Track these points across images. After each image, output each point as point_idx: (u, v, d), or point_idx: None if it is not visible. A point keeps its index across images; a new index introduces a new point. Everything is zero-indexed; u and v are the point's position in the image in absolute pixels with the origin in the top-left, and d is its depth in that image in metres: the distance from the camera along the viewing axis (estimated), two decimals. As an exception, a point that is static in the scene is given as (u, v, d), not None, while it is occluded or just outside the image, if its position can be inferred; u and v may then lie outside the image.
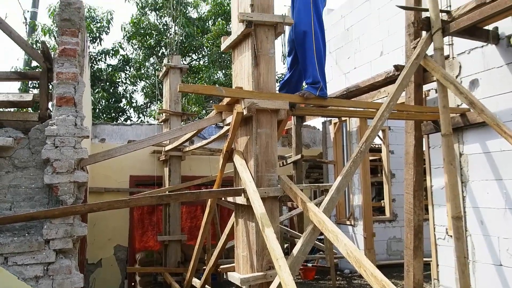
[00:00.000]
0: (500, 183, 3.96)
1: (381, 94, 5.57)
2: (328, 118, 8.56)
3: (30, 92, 10.91)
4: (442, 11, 3.91)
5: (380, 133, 8.29)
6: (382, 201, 9.01)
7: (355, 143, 7.73)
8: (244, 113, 3.35)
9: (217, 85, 12.74)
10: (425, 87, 4.71)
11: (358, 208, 7.65)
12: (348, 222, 7.96)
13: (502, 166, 3.96)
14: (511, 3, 3.25)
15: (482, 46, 4.18)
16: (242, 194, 3.35)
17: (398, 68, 4.80)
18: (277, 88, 4.51)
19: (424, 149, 4.83)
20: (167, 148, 7.35)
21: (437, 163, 4.74)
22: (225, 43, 3.92)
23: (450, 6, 4.45)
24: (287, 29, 4.10)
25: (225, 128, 4.13)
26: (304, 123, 8.65)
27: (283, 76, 13.53)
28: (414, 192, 4.27)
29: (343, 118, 7.95)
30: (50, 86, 3.61)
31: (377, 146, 9.76)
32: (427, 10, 3.88)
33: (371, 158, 9.23)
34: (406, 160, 4.39)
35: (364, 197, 6.72)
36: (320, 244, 7.13)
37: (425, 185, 4.78)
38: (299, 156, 7.71)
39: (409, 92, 4.47)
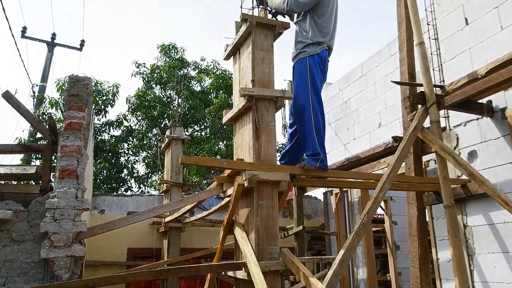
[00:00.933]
0: (507, 256, 3.86)
1: (381, 165, 5.61)
2: (330, 189, 8.54)
3: (32, 161, 11.02)
4: (435, 86, 4.06)
5: (382, 204, 8.21)
6: (387, 274, 8.70)
7: (357, 214, 7.63)
8: (245, 184, 3.36)
9: (218, 156, 12.90)
10: (425, 158, 4.75)
11: (363, 282, 7.37)
12: (353, 297, 7.64)
13: (507, 238, 3.88)
14: (502, 79, 3.38)
15: (478, 119, 4.28)
16: (243, 268, 3.25)
17: (397, 139, 4.87)
18: (278, 159, 4.56)
19: (427, 220, 4.77)
20: (167, 219, 7.26)
21: (442, 235, 4.66)
22: (227, 116, 4.03)
23: (443, 81, 4.62)
24: (287, 101, 4.24)
25: (226, 199, 4.11)
26: (305, 194, 8.60)
27: (283, 146, 13.71)
28: (420, 265, 4.15)
29: (344, 189, 7.92)
30: (53, 157, 3.66)
31: (379, 216, 9.63)
32: (421, 85, 4.03)
33: (374, 229, 9.06)
34: (410, 231, 4.31)
35: (369, 270, 6.52)
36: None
37: (431, 258, 4.65)
38: (300, 228, 7.58)
39: (409, 163, 4.50)
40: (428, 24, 4.93)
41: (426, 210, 4.71)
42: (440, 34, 4.86)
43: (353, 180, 4.64)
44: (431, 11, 4.95)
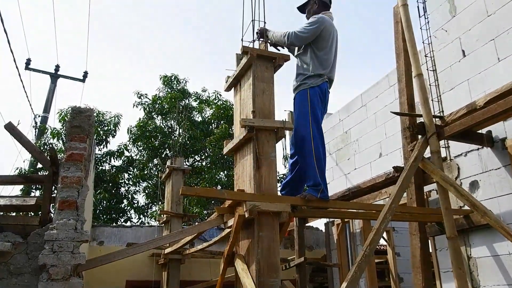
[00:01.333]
0: (513, 289, 3.79)
1: (382, 195, 5.58)
2: (331, 219, 8.46)
3: (32, 192, 10.97)
4: (435, 116, 4.09)
5: (385, 235, 8.11)
6: (391, 307, 8.52)
7: (359, 245, 7.53)
8: (246, 215, 3.34)
9: (219, 186, 12.85)
10: (426, 188, 4.73)
11: (367, 315, 7.20)
12: (356, 332, 7.44)
13: (513, 270, 3.82)
14: (501, 109, 3.40)
15: (478, 149, 4.28)
16: (244, 302, 3.19)
17: (398, 169, 4.86)
18: (279, 189, 4.54)
19: (431, 251, 4.70)
20: (167, 251, 7.17)
21: (446, 266, 4.58)
22: (228, 146, 4.04)
23: (442, 111, 4.65)
24: (288, 132, 4.26)
25: (227, 230, 4.07)
26: (307, 225, 8.51)
27: (284, 176, 13.66)
28: (424, 298, 4.07)
29: (346, 219, 7.85)
30: (53, 188, 3.65)
31: (382, 248, 9.49)
32: (420, 115, 4.06)
33: (377, 260, 8.93)
34: (413, 263, 4.25)
35: (372, 303, 6.37)
36: None
37: (435, 291, 4.56)
38: (302, 259, 7.46)
39: (410, 193, 4.48)
40: (426, 56, 5.00)
41: (429, 241, 4.66)
42: (438, 65, 4.93)
43: (355, 210, 4.61)
44: (429, 44, 5.03)
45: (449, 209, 3.62)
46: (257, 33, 4.24)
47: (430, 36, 5.05)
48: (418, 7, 5.12)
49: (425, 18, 5.10)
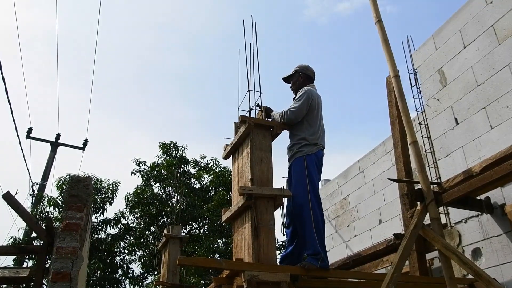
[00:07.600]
0: None
1: (384, 263, 5.45)
2: (332, 289, 8.17)
3: (25, 262, 10.64)
4: (432, 183, 4.10)
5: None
6: None
7: (363, 317, 7.22)
8: (245, 286, 3.24)
9: (217, 255, 12.53)
10: (429, 256, 4.64)
11: None
12: None
13: None
14: (497, 176, 3.44)
15: (478, 215, 4.26)
16: None
17: (398, 236, 4.80)
18: (278, 261, 4.43)
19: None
20: (162, 324, 6.84)
21: None
22: (226, 215, 4.00)
23: (439, 177, 4.68)
24: (286, 200, 4.23)
25: (225, 302, 3.92)
26: (308, 295, 8.21)
27: (283, 243, 13.37)
28: None
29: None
30: (47, 258, 3.56)
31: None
32: (418, 182, 4.07)
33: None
34: (420, 337, 4.06)
35: None
36: None
37: None
38: (304, 333, 7.10)
39: (413, 261, 4.39)
40: (420, 124, 5.13)
41: (435, 312, 4.48)
42: (432, 133, 5.04)
43: (356, 280, 4.48)
44: (422, 112, 5.18)
45: (453, 278, 3.52)
46: (258, 105, 4.32)
47: (422, 105, 5.22)
48: (409, 77, 5.35)
49: (417, 88, 5.30)
